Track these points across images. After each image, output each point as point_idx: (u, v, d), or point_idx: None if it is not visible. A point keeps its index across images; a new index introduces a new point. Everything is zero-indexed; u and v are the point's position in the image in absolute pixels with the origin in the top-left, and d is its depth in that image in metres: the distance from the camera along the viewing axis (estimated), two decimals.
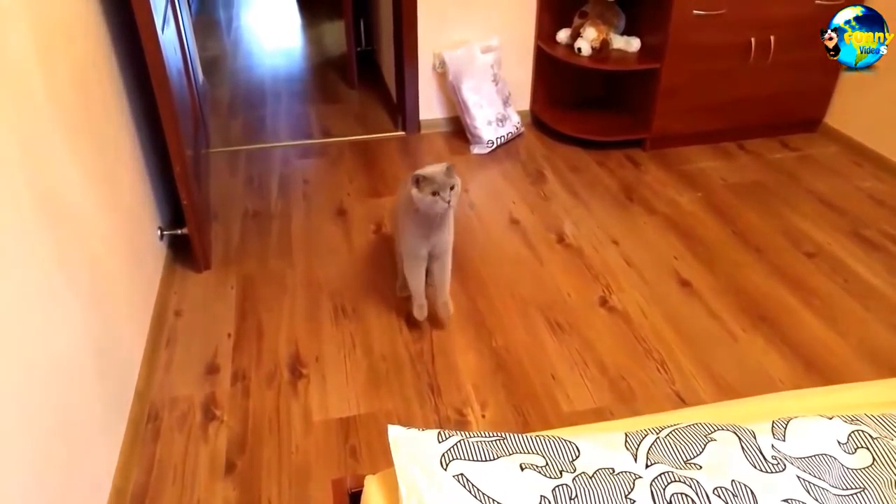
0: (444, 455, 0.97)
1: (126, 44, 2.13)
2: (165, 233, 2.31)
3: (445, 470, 0.95)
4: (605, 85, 3.40)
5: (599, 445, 1.02)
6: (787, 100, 3.19)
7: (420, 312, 2.07)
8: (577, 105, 3.41)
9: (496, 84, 3.18)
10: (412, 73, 3.22)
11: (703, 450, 1.02)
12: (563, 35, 3.16)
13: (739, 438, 1.02)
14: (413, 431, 1.02)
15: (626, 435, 1.04)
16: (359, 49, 4.11)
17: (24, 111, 1.37)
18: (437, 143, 3.30)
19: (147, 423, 1.80)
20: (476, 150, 3.18)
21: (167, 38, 2.17)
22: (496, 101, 3.17)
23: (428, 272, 2.04)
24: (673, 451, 1.02)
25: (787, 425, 1.06)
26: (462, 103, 3.12)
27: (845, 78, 3.16)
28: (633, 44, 3.08)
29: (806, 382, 1.92)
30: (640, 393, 1.90)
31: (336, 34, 4.81)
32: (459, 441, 1.00)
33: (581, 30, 3.04)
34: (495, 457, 0.98)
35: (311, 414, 1.83)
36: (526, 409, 1.85)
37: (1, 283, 1.18)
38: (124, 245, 1.93)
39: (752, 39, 2.94)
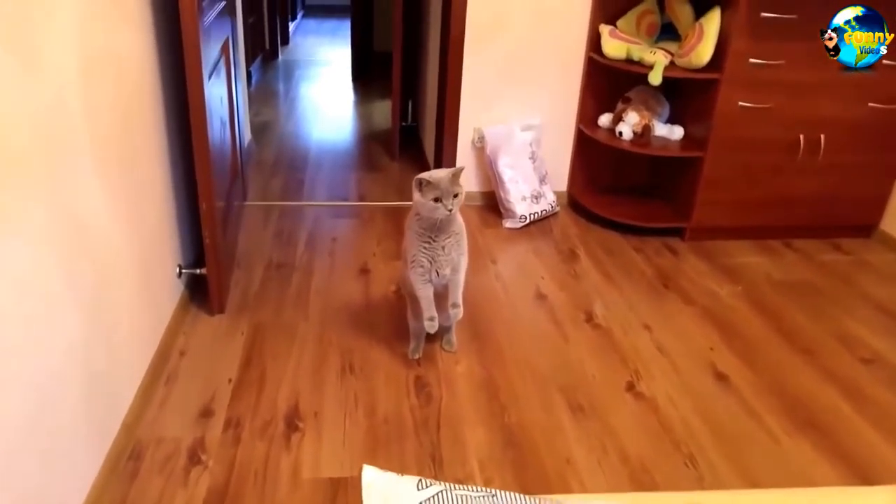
0: None
1: (173, 87, 2.18)
2: (184, 271, 2.28)
3: None
4: (646, 171, 3.34)
5: None
6: (839, 202, 3.06)
7: (432, 326, 1.97)
8: (616, 189, 3.35)
9: (534, 161, 3.16)
10: (451, 147, 3.23)
11: None
12: (605, 119, 3.15)
13: None
14: (390, 475, 0.90)
15: None
16: (403, 124, 4.19)
17: (58, 128, 1.38)
18: (470, 214, 3.25)
19: (128, 459, 1.69)
20: (508, 224, 3.13)
21: (213, 87, 2.23)
22: (532, 178, 3.13)
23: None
24: None
25: None
26: (498, 177, 3.10)
27: None
28: (676, 132, 3.03)
29: None
30: (663, 487, 1.70)
31: (385, 111, 4.94)
32: (441, 491, 0.86)
33: (623, 114, 3.03)
34: None
35: (301, 471, 1.69)
36: (534, 492, 1.66)
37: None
38: (139, 274, 1.89)
39: (801, 136, 2.86)
